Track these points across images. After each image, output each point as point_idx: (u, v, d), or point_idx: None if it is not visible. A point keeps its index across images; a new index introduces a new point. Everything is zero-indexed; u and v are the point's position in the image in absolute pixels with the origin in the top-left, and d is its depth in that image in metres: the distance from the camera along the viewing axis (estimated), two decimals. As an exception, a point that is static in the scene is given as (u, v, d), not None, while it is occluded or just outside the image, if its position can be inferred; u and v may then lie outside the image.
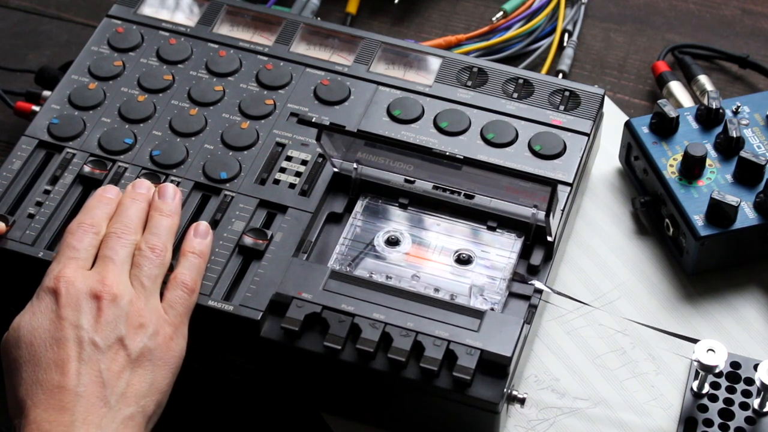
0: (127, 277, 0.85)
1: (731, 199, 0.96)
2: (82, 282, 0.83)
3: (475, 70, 1.03)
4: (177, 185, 0.95)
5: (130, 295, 0.84)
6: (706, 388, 0.92)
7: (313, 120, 0.99)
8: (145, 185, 0.92)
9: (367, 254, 0.93)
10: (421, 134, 0.99)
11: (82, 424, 0.78)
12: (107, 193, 0.91)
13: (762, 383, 0.88)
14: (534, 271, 0.92)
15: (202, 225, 0.91)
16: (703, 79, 1.11)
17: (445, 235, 0.94)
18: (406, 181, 0.95)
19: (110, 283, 0.83)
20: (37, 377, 0.79)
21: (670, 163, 1.00)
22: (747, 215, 0.97)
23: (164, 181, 0.95)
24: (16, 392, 0.80)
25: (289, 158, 0.97)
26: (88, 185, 0.95)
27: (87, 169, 0.96)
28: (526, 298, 0.91)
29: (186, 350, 0.85)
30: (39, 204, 0.94)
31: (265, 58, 1.04)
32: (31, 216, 0.94)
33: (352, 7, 1.20)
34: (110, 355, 0.81)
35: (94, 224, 0.88)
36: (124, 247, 0.86)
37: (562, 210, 0.94)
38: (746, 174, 0.99)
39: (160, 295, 0.86)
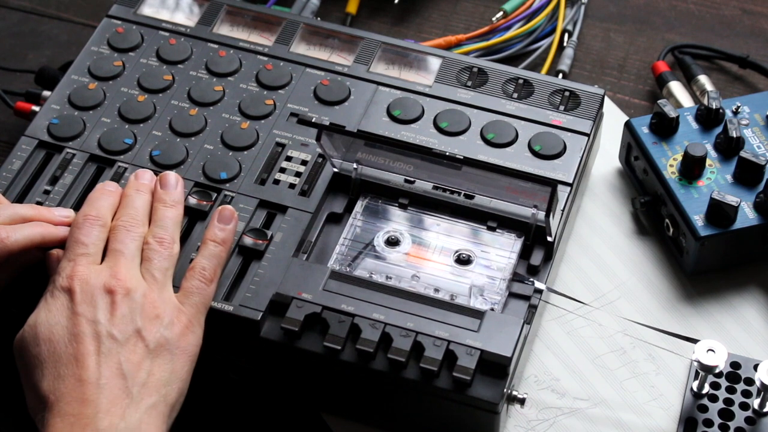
0: (138, 270, 0.85)
1: (731, 199, 0.96)
2: (95, 278, 0.83)
3: (475, 70, 1.03)
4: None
5: (143, 288, 0.84)
6: (706, 388, 0.92)
7: (313, 120, 0.99)
8: (147, 176, 0.92)
9: (367, 254, 0.93)
10: (421, 134, 0.99)
11: (106, 415, 0.78)
12: (108, 186, 0.91)
13: (762, 383, 0.88)
14: (534, 271, 0.92)
15: (227, 210, 0.91)
16: (703, 79, 1.11)
17: (445, 235, 0.94)
18: (406, 181, 0.95)
19: (123, 278, 0.83)
20: (58, 372, 0.80)
21: (670, 163, 1.00)
22: (747, 215, 0.97)
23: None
24: (38, 388, 0.80)
25: (289, 158, 0.97)
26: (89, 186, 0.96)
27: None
28: (526, 298, 0.91)
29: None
30: (39, 204, 0.94)
31: (265, 58, 1.04)
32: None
33: (352, 7, 1.20)
34: (129, 347, 0.81)
35: (100, 216, 0.88)
36: (133, 240, 0.87)
37: (562, 210, 0.94)
38: (746, 174, 0.99)
39: (180, 285, 0.86)
